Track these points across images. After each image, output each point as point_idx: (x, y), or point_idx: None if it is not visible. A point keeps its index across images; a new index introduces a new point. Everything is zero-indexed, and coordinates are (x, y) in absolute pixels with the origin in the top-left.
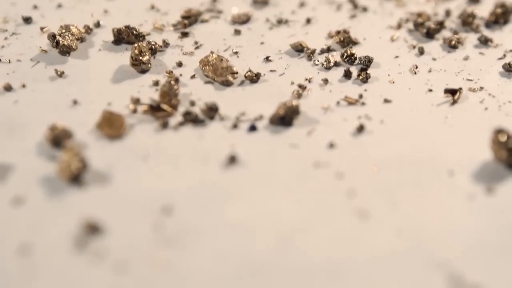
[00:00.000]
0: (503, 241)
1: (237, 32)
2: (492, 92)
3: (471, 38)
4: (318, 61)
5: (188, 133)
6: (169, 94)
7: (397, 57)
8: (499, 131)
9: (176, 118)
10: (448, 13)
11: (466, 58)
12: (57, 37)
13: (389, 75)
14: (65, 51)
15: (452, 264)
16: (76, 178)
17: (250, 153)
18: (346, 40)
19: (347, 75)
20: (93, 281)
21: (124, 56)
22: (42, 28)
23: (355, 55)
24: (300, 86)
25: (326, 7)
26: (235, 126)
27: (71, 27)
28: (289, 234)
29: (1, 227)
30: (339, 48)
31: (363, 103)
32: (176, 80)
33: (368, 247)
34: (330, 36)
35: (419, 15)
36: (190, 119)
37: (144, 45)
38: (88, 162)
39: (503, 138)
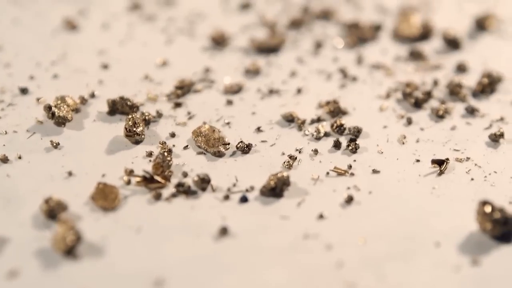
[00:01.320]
0: None
1: (229, 102)
2: (478, 162)
3: (458, 108)
4: (308, 131)
5: (181, 204)
6: (162, 165)
7: (385, 127)
8: (484, 203)
9: (169, 189)
10: (436, 83)
11: (453, 128)
12: (53, 108)
13: (377, 145)
14: (61, 122)
15: None
16: (71, 250)
17: (242, 225)
18: (335, 110)
19: (337, 145)
20: None
21: (118, 127)
22: (38, 99)
23: (344, 126)
24: (291, 157)
25: (316, 77)
26: (226, 197)
27: (66, 98)
28: None
29: None
30: (329, 118)
31: (352, 174)
32: (169, 151)
33: None
34: (320, 106)
35: (408, 85)
36: (183, 190)
37: (138, 116)
38: (82, 234)
39: (488, 210)
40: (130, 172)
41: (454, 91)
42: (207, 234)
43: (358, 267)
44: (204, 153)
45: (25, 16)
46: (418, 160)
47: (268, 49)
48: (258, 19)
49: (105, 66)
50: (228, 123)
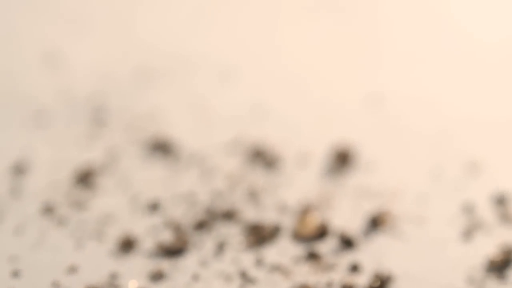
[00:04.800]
0: None
1: None
2: None
3: None
4: None
5: None
6: None
7: None
8: None
9: None
10: (329, 284)
11: None
12: None
13: None
14: None
15: None
16: None
17: None
18: None
19: None
20: None
21: None
22: None
23: None
24: None
25: (217, 280)
26: None
27: None
28: None
29: None
30: None
31: None
32: None
33: None
34: None
35: (303, 286)
36: None
37: None
38: None
39: None
40: None
41: None
42: None
43: None
44: None
45: None
46: None
47: (173, 251)
48: (165, 220)
49: (15, 274)
50: None
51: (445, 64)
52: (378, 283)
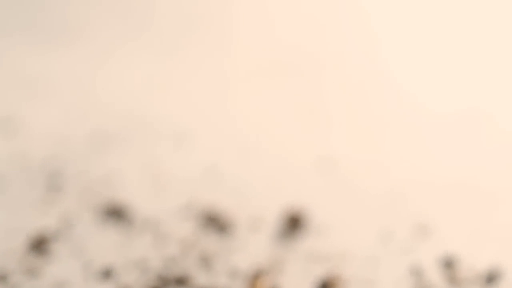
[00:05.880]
0: None
1: None
2: None
3: None
4: None
5: None
6: None
7: None
8: None
9: None
10: None
11: None
12: None
13: None
14: None
15: None
16: None
17: None
18: None
19: None
20: None
21: None
22: None
23: None
24: None
25: None
26: None
27: None
28: None
29: None
30: None
31: None
32: None
33: None
34: None
35: None
36: None
37: None
38: None
39: None
40: None
41: None
42: None
43: None
44: None
45: None
46: None
47: None
48: (117, 286)
49: None
50: None
51: (393, 129)
52: None
